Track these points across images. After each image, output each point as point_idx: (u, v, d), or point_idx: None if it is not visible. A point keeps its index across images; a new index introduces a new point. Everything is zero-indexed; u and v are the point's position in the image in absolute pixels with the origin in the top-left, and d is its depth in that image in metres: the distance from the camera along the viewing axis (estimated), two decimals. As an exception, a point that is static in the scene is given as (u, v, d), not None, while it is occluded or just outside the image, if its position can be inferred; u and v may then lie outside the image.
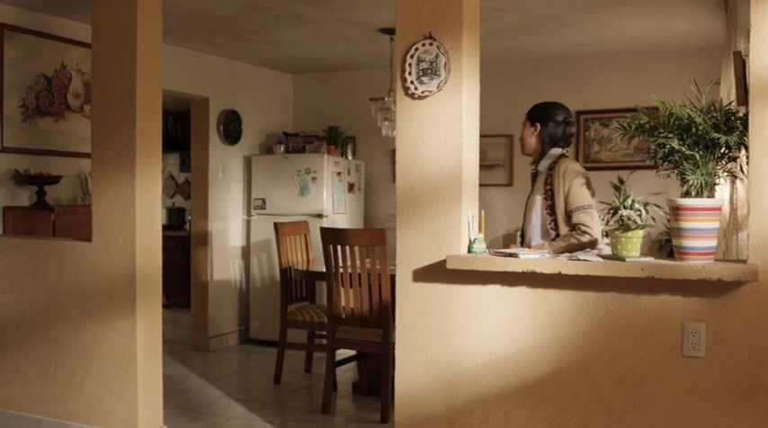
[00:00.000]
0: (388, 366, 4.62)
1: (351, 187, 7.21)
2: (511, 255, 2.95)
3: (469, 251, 3.12)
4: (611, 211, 6.59)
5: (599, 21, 5.37)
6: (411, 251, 3.20)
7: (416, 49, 3.15)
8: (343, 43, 6.16)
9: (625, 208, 6.56)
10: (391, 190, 7.53)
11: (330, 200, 6.86)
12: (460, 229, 3.11)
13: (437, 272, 3.14)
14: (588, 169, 6.68)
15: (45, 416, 4.20)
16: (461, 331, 3.11)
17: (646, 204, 6.24)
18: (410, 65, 3.15)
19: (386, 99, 5.57)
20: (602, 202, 6.23)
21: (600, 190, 6.46)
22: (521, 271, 2.89)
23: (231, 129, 6.97)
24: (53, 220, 4.71)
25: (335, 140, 7.16)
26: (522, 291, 2.99)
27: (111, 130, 3.96)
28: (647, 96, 6.38)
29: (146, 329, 4.00)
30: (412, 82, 3.15)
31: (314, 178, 6.84)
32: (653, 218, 6.48)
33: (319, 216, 6.76)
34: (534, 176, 3.78)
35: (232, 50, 6.55)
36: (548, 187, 3.64)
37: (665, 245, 5.51)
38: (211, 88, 6.77)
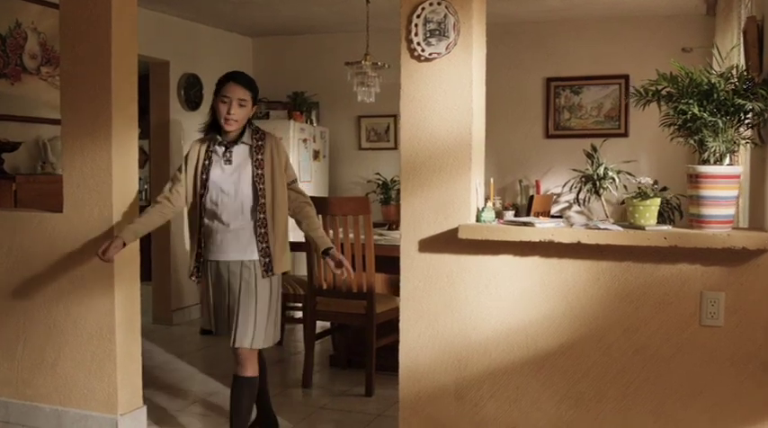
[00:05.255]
0: (371, 338, 4.52)
1: (316, 154, 7.02)
2: (526, 224, 2.86)
3: (478, 220, 3.02)
4: (584, 179, 6.57)
5: (578, -16, 5.30)
6: (417, 220, 3.07)
7: (423, 9, 3.00)
8: (313, 4, 5.93)
9: (598, 176, 6.57)
10: (357, 157, 7.37)
11: (297, 167, 6.66)
12: (470, 197, 3.00)
13: (445, 242, 3.02)
14: (558, 137, 6.71)
15: (13, 399, 3.96)
16: (470, 302, 3.01)
17: (618, 172, 6.26)
18: (416, 25, 3.00)
19: (362, 63, 5.39)
20: (574, 170, 6.27)
21: (571, 157, 6.48)
22: (537, 240, 2.81)
23: (192, 95, 6.68)
24: (14, 190, 4.40)
25: (301, 106, 6.94)
26: (535, 261, 2.91)
27: (84, 95, 3.69)
28: (619, 63, 6.39)
29: (124, 305, 3.79)
30: (419, 43, 3.01)
31: (279, 145, 6.62)
32: (624, 186, 6.47)
33: (286, 184, 6.55)
34: (226, 148, 3.51)
35: (194, 12, 6.25)
36: (259, 157, 3.41)
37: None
38: (172, 51, 6.45)
